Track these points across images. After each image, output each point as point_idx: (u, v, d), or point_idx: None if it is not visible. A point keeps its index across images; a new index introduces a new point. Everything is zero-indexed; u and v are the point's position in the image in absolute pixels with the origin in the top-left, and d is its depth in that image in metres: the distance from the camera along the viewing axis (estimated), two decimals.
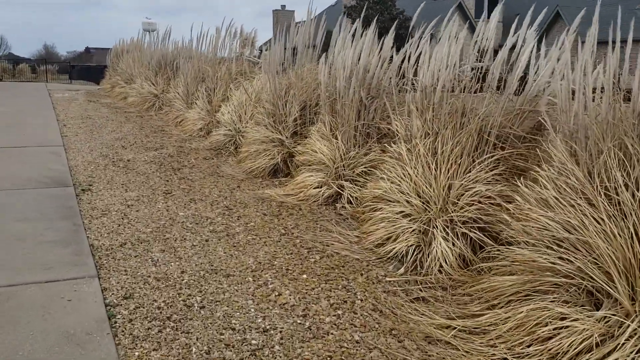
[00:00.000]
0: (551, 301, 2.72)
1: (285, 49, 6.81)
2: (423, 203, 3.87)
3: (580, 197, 2.74)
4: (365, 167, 4.93)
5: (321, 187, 5.11)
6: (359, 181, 4.94)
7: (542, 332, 2.62)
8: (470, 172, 3.78)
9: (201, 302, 3.13)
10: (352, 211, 4.77)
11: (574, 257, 2.70)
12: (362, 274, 3.60)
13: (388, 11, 22.50)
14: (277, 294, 3.26)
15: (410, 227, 3.84)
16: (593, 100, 2.89)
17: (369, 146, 5.00)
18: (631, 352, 2.35)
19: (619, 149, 2.70)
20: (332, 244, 4.08)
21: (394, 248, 3.80)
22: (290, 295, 3.25)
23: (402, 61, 5.10)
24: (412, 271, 3.66)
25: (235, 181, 6.00)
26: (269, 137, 6.34)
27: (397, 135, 4.25)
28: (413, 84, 4.48)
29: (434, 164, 3.86)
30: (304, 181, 5.25)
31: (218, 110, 8.53)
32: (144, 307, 3.04)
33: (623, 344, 2.37)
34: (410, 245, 3.77)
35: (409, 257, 3.74)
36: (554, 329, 2.60)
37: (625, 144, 2.68)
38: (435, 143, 3.91)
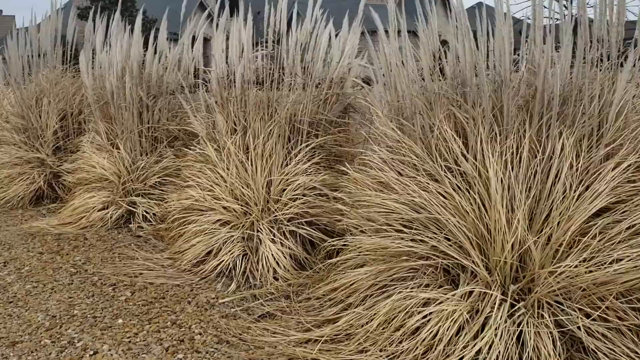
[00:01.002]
0: (412, 288, 2.56)
1: (25, 46, 5.64)
2: (242, 206, 3.44)
3: (422, 175, 2.63)
4: (159, 177, 4.28)
5: (108, 208, 4.30)
6: (153, 194, 4.28)
7: (411, 324, 2.44)
8: (288, 165, 3.47)
9: None
10: (152, 230, 4.10)
11: (426, 236, 2.58)
12: (189, 302, 3.04)
13: (128, 12, 21.26)
14: (91, 352, 2.52)
15: (232, 236, 3.39)
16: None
17: (160, 152, 4.36)
18: (500, 322, 2.31)
19: (448, 120, 2.66)
20: (142, 273, 3.40)
21: (218, 264, 3.31)
22: (110, 350, 2.53)
23: (180, 54, 4.58)
24: (245, 285, 3.22)
25: None
26: (24, 158, 5.20)
27: (199, 135, 3.73)
28: (204, 79, 4.01)
29: (248, 162, 3.46)
30: (83, 204, 4.36)
31: None
32: None
33: (491, 315, 2.31)
34: (237, 256, 3.32)
35: (237, 270, 3.29)
36: (423, 318, 2.44)
37: (455, 113, 2.65)
38: (246, 138, 3.51)
